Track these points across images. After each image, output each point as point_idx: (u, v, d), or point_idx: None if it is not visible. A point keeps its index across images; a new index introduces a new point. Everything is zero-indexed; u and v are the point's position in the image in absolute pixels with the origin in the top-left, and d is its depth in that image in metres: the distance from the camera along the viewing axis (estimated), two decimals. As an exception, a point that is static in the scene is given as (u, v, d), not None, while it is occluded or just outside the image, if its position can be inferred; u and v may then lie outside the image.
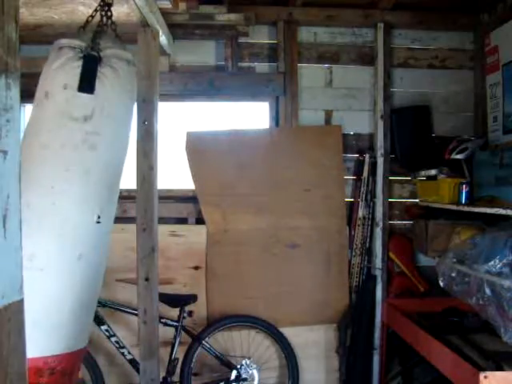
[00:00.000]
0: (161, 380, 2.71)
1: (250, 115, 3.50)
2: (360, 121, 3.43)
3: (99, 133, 1.75)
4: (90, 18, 1.88)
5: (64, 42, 1.78)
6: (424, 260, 3.30)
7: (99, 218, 1.77)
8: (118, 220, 2.28)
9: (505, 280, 2.22)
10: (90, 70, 1.73)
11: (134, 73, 1.89)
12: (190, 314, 2.97)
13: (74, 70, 1.73)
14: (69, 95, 1.72)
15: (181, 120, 3.44)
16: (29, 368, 1.39)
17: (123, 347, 2.83)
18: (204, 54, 3.37)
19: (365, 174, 3.33)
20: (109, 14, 1.89)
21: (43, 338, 1.66)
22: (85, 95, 1.72)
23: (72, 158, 1.71)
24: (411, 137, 3.39)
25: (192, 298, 2.95)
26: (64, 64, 1.74)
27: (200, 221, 3.25)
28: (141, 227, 2.38)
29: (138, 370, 2.63)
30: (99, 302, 2.70)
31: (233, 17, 3.08)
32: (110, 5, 1.89)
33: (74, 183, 1.72)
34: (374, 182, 3.33)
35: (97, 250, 1.81)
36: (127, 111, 1.89)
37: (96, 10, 1.88)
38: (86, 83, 1.72)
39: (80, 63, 1.73)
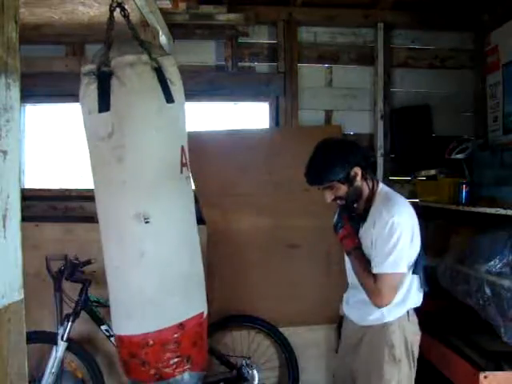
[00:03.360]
0: (161, 380, 2.72)
1: (250, 115, 3.50)
2: (360, 121, 3.43)
3: (123, 145, 1.85)
4: (110, 28, 1.88)
5: (82, 69, 1.88)
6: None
7: (146, 218, 1.91)
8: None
9: (505, 280, 2.23)
10: (104, 87, 1.81)
11: (142, 72, 1.87)
12: (190, 313, 2.97)
13: (93, 93, 1.83)
14: (93, 119, 1.85)
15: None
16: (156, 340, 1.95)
17: (123, 347, 2.83)
18: (204, 54, 3.37)
19: (365, 173, 3.33)
20: (125, 13, 1.90)
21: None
22: (104, 114, 1.81)
23: (108, 173, 1.89)
24: (411, 137, 3.39)
25: (192, 298, 2.95)
26: (84, 92, 1.85)
27: (200, 221, 3.24)
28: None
29: (138, 370, 2.63)
30: (99, 302, 2.71)
31: (233, 17, 3.08)
32: (120, 3, 1.88)
33: (116, 194, 1.91)
34: (374, 181, 3.32)
35: (159, 246, 1.99)
36: (146, 113, 1.90)
37: (111, 20, 1.87)
38: (103, 101, 1.81)
39: (96, 85, 1.82)
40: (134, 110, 1.87)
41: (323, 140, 1.93)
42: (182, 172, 2.07)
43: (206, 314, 2.19)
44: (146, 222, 1.91)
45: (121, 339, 2.08)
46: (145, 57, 1.90)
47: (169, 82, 1.94)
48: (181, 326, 2.03)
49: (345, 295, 2.16)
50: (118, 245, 1.97)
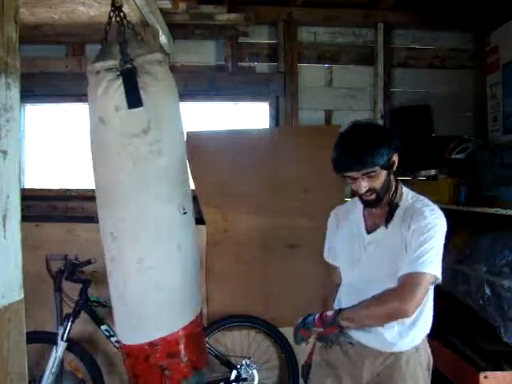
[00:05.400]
0: (161, 380, 2.72)
1: (250, 115, 3.50)
2: (360, 121, 3.43)
3: (160, 140, 1.85)
4: (108, 27, 1.88)
5: (99, 65, 1.81)
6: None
7: (184, 209, 1.95)
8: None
9: (505, 280, 2.23)
10: (132, 84, 1.79)
11: (167, 70, 1.93)
12: (190, 313, 2.97)
13: (118, 89, 1.79)
14: (122, 115, 1.80)
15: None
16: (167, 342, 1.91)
17: (123, 347, 2.83)
18: (204, 53, 3.38)
19: (365, 173, 3.33)
20: (122, 14, 1.89)
21: (169, 318, 1.97)
22: (136, 110, 1.79)
23: (146, 168, 1.85)
24: (411, 137, 3.39)
25: (192, 298, 2.95)
26: (107, 88, 1.79)
27: (200, 221, 3.24)
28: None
29: (137, 370, 2.63)
30: (98, 302, 2.71)
31: (233, 17, 3.08)
32: (120, 7, 1.89)
33: (156, 187, 1.88)
34: (374, 181, 3.32)
35: (190, 237, 2.03)
36: (174, 109, 1.96)
37: (110, 17, 1.87)
38: (133, 98, 1.78)
39: (120, 81, 1.78)
40: (169, 106, 1.91)
41: (356, 123, 1.69)
42: None
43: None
44: (184, 213, 1.96)
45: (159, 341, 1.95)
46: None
47: None
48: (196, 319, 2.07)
49: None
50: (155, 240, 1.91)
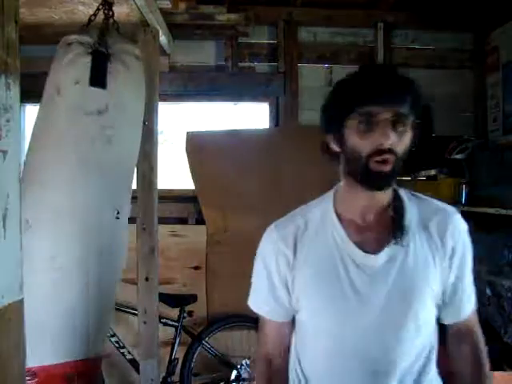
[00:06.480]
0: (161, 380, 2.71)
1: (250, 115, 3.50)
2: (360, 121, 3.43)
3: (114, 127, 1.72)
4: (93, 17, 1.88)
5: (73, 38, 1.77)
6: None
7: (118, 213, 1.73)
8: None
9: (505, 280, 2.23)
10: (100, 66, 1.73)
11: (142, 67, 1.90)
12: (190, 314, 2.97)
13: (85, 65, 1.71)
14: (81, 90, 1.70)
15: (181, 120, 3.44)
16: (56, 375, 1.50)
17: (123, 347, 2.83)
18: (204, 54, 3.37)
19: (365, 173, 3.32)
20: (110, 13, 1.89)
21: (69, 341, 1.65)
22: (97, 90, 1.70)
23: (89, 152, 1.67)
24: (411, 137, 3.39)
25: (192, 298, 2.95)
26: (74, 59, 1.72)
27: (200, 221, 3.24)
28: (141, 227, 2.38)
29: (138, 370, 2.63)
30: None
31: (233, 17, 3.08)
32: (111, 4, 1.89)
33: (93, 179, 1.67)
34: (374, 181, 3.32)
35: (115, 247, 1.78)
36: (139, 106, 1.89)
37: (98, 9, 1.88)
38: (98, 78, 1.71)
39: (89, 59, 1.73)
40: (134, 103, 1.83)
41: None
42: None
43: None
44: (117, 218, 1.73)
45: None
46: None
47: None
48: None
49: None
50: (75, 240, 1.64)
